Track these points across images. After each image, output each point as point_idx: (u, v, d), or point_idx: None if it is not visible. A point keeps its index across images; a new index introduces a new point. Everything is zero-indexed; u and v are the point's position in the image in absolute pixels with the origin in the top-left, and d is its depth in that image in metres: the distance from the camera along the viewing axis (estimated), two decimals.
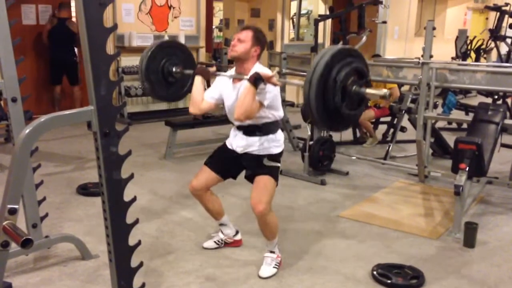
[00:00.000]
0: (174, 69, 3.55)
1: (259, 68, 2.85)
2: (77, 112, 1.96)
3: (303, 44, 9.60)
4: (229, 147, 3.05)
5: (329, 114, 2.60)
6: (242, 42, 2.84)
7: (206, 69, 3.12)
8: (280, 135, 2.99)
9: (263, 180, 2.89)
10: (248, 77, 2.73)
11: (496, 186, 4.73)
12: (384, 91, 2.63)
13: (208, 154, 3.20)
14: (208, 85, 3.16)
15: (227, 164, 3.08)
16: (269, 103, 2.80)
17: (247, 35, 2.84)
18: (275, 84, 2.76)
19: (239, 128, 2.97)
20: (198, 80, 3.03)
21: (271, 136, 2.92)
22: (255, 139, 2.91)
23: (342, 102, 2.55)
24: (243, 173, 3.07)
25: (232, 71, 2.98)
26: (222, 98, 3.00)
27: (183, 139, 5.93)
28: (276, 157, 2.96)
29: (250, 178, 2.99)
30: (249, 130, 2.92)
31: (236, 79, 2.92)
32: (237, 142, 2.98)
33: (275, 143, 2.94)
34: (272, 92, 2.79)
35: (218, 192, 3.23)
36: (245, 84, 2.76)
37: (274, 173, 2.93)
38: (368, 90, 2.60)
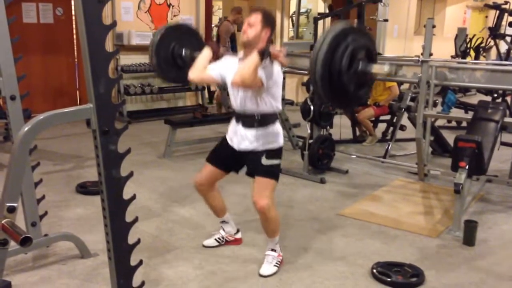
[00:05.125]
0: (184, 52, 3.54)
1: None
2: (76, 109, 1.96)
3: (303, 43, 9.59)
4: (229, 142, 3.04)
5: (336, 93, 2.63)
6: (252, 26, 2.82)
7: (217, 44, 3.13)
8: (278, 128, 2.95)
9: (263, 181, 2.90)
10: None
11: (496, 184, 4.73)
12: (388, 67, 2.67)
13: (207, 153, 3.20)
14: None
15: (227, 159, 3.07)
16: (269, 87, 2.78)
17: (256, 18, 2.83)
18: (282, 64, 2.77)
19: (238, 119, 2.95)
20: (207, 51, 3.07)
21: (269, 129, 2.90)
22: (252, 132, 2.89)
23: (349, 82, 2.58)
24: (244, 169, 3.05)
25: (240, 54, 2.95)
26: (224, 76, 2.95)
27: (182, 137, 5.93)
28: (275, 154, 2.93)
29: (251, 175, 2.99)
30: (247, 121, 2.90)
31: (243, 59, 2.87)
32: (237, 138, 2.96)
33: (273, 137, 2.91)
34: (274, 73, 2.78)
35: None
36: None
37: (274, 172, 2.93)
38: (374, 66, 2.66)
